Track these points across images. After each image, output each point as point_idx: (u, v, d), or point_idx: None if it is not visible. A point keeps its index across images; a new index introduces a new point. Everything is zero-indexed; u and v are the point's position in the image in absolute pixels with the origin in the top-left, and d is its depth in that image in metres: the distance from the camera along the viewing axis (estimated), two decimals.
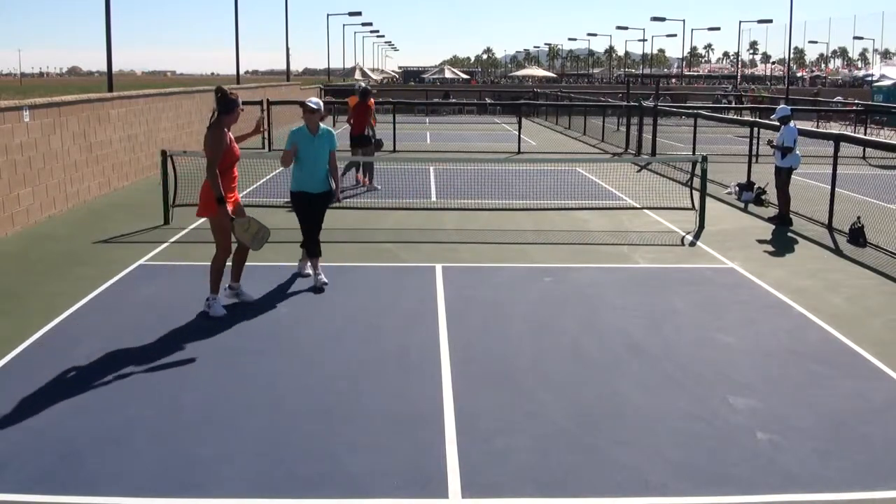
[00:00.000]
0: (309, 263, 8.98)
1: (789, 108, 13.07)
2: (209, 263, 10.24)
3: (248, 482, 4.66)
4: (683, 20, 75.91)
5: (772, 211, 13.25)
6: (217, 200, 7.36)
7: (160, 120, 18.13)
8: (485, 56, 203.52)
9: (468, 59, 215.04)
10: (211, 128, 7.46)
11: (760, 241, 11.42)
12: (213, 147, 7.40)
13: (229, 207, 7.52)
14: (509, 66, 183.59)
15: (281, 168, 18.79)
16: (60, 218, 12.57)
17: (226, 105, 7.48)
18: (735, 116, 22.28)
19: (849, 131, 26.40)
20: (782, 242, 11.39)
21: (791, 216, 12.66)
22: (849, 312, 8.03)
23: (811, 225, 12.47)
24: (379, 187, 15.61)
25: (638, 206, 13.76)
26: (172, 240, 10.93)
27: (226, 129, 7.55)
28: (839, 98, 40.39)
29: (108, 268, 9.31)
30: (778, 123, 12.84)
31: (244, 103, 28.41)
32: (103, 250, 10.38)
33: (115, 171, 15.41)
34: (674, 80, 74.40)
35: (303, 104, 8.59)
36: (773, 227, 12.44)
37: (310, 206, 8.70)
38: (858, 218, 11.40)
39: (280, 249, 10.51)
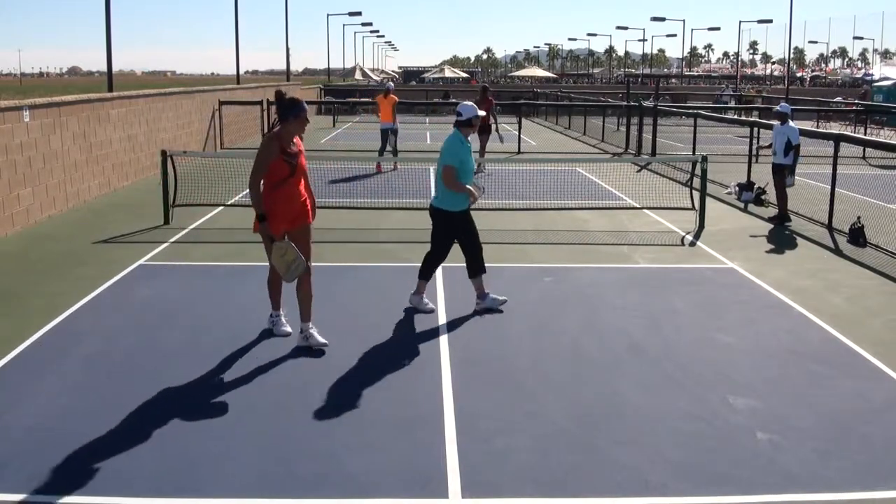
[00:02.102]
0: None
1: (789, 107, 13.09)
2: (209, 263, 10.27)
3: (248, 482, 4.66)
4: (683, 20, 75.93)
5: (772, 211, 13.25)
6: (256, 217, 6.50)
7: (160, 120, 18.13)
8: (485, 56, 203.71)
9: (468, 59, 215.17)
10: (265, 136, 6.62)
11: (760, 241, 11.42)
12: (258, 157, 6.45)
13: (284, 227, 6.55)
14: (509, 65, 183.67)
15: None
16: (60, 218, 12.57)
17: (284, 110, 6.45)
18: (735, 116, 22.28)
19: (849, 131, 26.39)
20: (782, 242, 11.39)
21: (790, 214, 12.67)
22: (849, 312, 8.02)
23: (811, 225, 12.47)
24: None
25: (638, 206, 13.76)
26: (172, 240, 10.93)
27: (284, 139, 6.48)
28: (839, 98, 40.40)
29: (108, 268, 9.31)
30: (778, 122, 12.83)
31: (243, 104, 28.44)
32: (103, 250, 10.38)
33: (115, 171, 15.41)
34: (673, 80, 74.43)
35: (458, 113, 7.55)
36: (773, 226, 12.44)
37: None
38: (858, 218, 11.40)
39: None
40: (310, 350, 6.73)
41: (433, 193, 8.15)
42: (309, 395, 5.88)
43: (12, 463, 4.81)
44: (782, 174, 12.51)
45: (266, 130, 6.56)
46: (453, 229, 7.83)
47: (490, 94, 19.13)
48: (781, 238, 11.68)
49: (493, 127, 18.13)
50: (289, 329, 7.03)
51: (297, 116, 6.44)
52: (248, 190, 6.76)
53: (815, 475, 4.81)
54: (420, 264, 8.11)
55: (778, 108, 13.04)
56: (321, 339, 6.79)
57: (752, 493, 4.61)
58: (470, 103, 7.76)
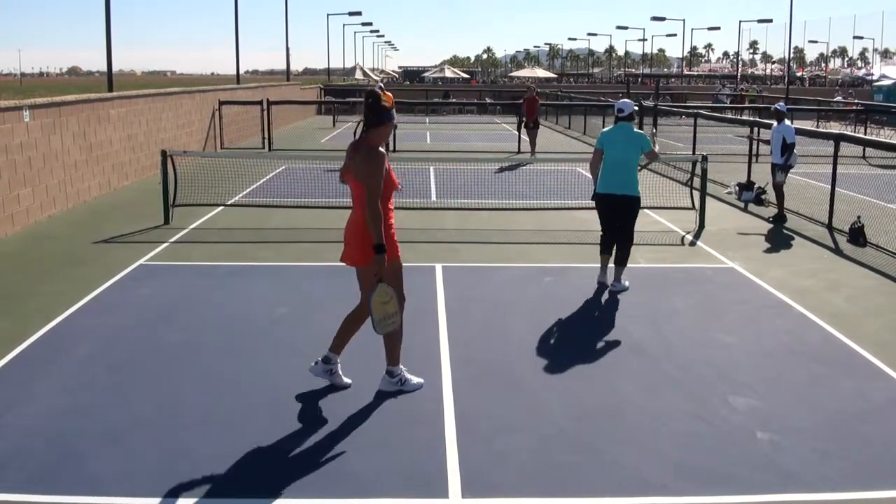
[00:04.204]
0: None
1: (786, 105, 13.06)
2: (209, 263, 10.17)
3: (248, 482, 4.66)
4: (683, 20, 76.10)
5: (772, 210, 13.23)
6: (376, 248, 5.37)
7: (160, 120, 18.13)
8: (485, 56, 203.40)
9: (468, 58, 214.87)
10: (363, 146, 5.48)
11: (760, 241, 11.42)
12: (376, 172, 5.36)
13: (392, 259, 5.60)
14: (509, 65, 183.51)
15: (282, 167, 18.70)
16: (60, 218, 12.57)
17: (380, 115, 5.49)
18: (735, 116, 22.27)
19: (849, 131, 26.39)
20: (782, 242, 11.39)
21: (786, 214, 12.65)
22: (849, 312, 8.02)
23: (811, 225, 12.47)
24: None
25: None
26: (172, 240, 10.93)
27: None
28: (839, 98, 40.40)
29: (108, 268, 9.31)
30: (775, 121, 12.77)
31: (243, 104, 28.50)
32: (103, 250, 10.38)
33: (115, 171, 15.41)
34: (673, 80, 74.46)
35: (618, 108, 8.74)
36: (772, 226, 12.42)
37: None
38: (858, 217, 11.40)
39: (280, 250, 10.51)
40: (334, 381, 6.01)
41: (617, 184, 8.53)
42: (308, 394, 5.87)
43: (12, 463, 4.81)
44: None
45: (356, 136, 5.63)
46: (637, 212, 8.67)
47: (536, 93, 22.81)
48: (781, 238, 11.68)
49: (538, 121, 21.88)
50: (348, 380, 5.99)
51: (391, 119, 5.55)
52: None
53: (815, 475, 4.80)
54: (418, 263, 8.08)
55: (776, 106, 13.02)
56: (415, 380, 5.99)
57: (752, 492, 4.61)
58: (628, 100, 8.81)
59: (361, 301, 5.87)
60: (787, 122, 12.65)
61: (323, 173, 15.63)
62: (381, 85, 21.56)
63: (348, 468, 4.82)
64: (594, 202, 8.80)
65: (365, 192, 5.37)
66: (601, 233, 8.82)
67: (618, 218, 8.61)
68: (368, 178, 5.37)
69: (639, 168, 8.86)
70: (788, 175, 12.63)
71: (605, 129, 8.95)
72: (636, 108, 8.55)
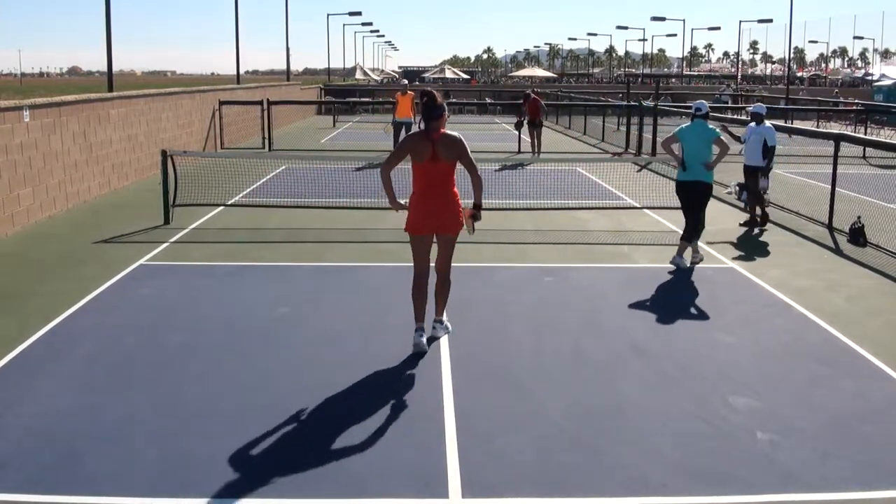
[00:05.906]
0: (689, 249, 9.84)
1: (764, 107, 12.77)
2: (209, 263, 10.20)
3: (248, 482, 4.65)
4: (683, 20, 76.03)
5: (773, 211, 13.17)
6: (479, 205, 7.02)
7: (160, 120, 18.13)
8: (485, 56, 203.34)
9: (468, 59, 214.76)
10: (445, 134, 6.82)
11: (760, 241, 11.42)
12: (469, 152, 6.94)
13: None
14: (509, 65, 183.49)
15: (282, 167, 18.69)
16: (60, 218, 12.57)
17: (441, 109, 6.80)
18: (735, 116, 22.24)
19: (849, 131, 26.39)
20: (782, 242, 11.38)
21: (766, 215, 12.32)
22: (849, 312, 8.02)
23: (811, 225, 12.47)
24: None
25: (638, 206, 13.76)
26: (172, 240, 10.93)
27: None
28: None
29: (108, 268, 9.31)
30: (753, 122, 12.30)
31: (243, 104, 28.52)
32: (103, 250, 10.38)
33: (115, 171, 15.41)
34: (673, 80, 74.43)
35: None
36: (769, 228, 12.31)
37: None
38: (859, 218, 11.39)
39: (280, 249, 10.51)
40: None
41: (693, 172, 9.59)
42: (308, 395, 5.87)
43: (12, 463, 4.81)
44: (755, 177, 12.08)
45: (418, 130, 6.95)
46: (708, 197, 9.75)
47: (537, 94, 23.22)
48: (781, 238, 11.67)
49: (540, 121, 22.17)
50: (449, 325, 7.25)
51: (445, 110, 6.85)
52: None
53: (815, 475, 4.81)
54: None
55: (752, 108, 12.77)
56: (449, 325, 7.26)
57: (752, 492, 4.61)
58: (704, 101, 10.30)
59: (439, 264, 7.02)
60: (767, 123, 12.36)
61: (323, 173, 15.62)
62: (406, 81, 22.35)
63: (348, 468, 4.82)
64: (676, 190, 9.88)
65: (450, 170, 6.91)
66: (685, 222, 9.83)
67: (693, 201, 9.62)
68: (469, 151, 6.91)
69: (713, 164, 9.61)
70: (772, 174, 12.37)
71: (683, 126, 10.06)
72: (709, 108, 10.09)
